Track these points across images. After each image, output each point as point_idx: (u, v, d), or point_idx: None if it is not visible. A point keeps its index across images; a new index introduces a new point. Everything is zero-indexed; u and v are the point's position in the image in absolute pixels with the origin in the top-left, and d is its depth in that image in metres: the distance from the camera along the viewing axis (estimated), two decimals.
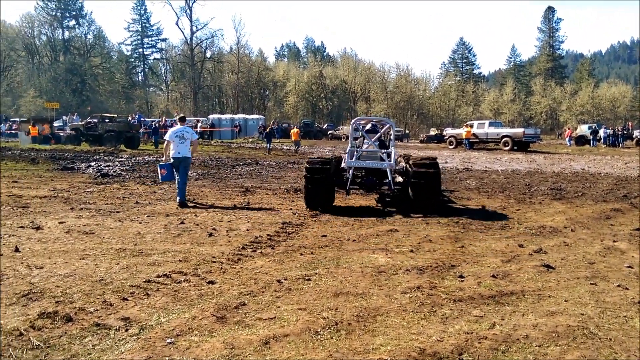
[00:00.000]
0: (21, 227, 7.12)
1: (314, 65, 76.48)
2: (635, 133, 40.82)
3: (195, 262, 5.51)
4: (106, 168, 15.75)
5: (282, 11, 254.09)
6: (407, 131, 60.87)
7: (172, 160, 9.50)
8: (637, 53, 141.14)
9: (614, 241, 6.87)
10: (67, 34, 74.84)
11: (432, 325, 3.86)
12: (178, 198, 9.43)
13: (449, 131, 40.26)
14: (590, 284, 4.94)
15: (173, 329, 3.67)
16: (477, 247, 6.51)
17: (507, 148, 31.44)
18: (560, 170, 18.41)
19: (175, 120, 11.77)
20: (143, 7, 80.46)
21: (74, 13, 74.36)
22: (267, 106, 77.89)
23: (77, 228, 7.12)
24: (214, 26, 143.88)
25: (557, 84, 73.31)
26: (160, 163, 9.85)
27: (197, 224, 7.61)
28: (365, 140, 10.87)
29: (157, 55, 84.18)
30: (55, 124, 34.71)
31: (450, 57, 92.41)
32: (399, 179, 9.83)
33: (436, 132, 49.01)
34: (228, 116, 50.20)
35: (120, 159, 18.95)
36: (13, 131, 38.85)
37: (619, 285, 4.87)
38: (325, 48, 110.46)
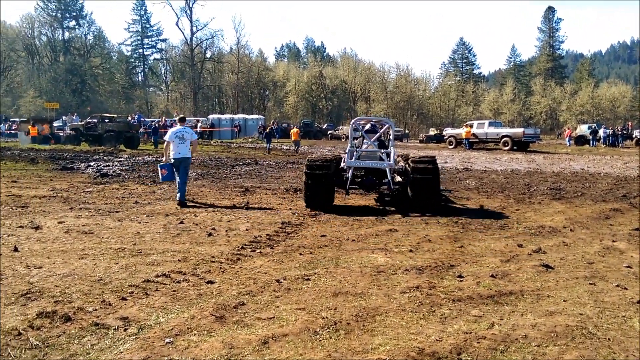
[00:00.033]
0: (20, 226, 7.12)
1: (314, 66, 76.49)
2: (635, 133, 40.84)
3: (195, 261, 5.51)
4: (106, 168, 15.75)
5: (282, 12, 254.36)
6: (407, 131, 60.89)
7: (172, 161, 9.52)
8: (637, 53, 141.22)
9: (613, 241, 6.87)
10: (67, 34, 74.91)
11: (431, 325, 3.86)
12: (178, 196, 9.44)
13: (448, 131, 40.28)
14: (589, 283, 4.94)
15: (172, 329, 3.67)
16: (476, 247, 6.51)
17: (506, 148, 31.44)
18: (560, 170, 18.42)
19: (175, 121, 11.78)
20: (143, 7, 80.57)
21: (74, 14, 74.37)
22: (267, 106, 77.91)
23: (76, 228, 7.12)
24: (214, 26, 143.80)
25: (557, 84, 73.33)
26: (161, 163, 9.87)
27: (197, 224, 7.61)
28: (364, 140, 10.89)
29: (157, 56, 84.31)
30: (55, 124, 34.70)
31: (450, 57, 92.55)
32: (398, 178, 9.86)
33: (435, 132, 49.00)
34: (228, 116, 50.21)
35: (120, 159, 18.95)
36: (13, 131, 38.87)
37: (617, 285, 4.87)
38: (325, 48, 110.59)
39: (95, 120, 28.68)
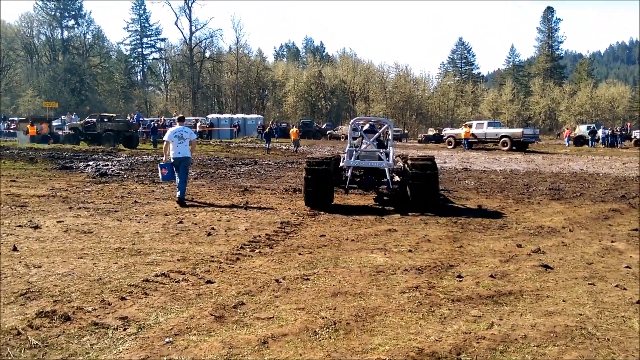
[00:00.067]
0: (19, 226, 7.11)
1: (313, 65, 76.50)
2: (634, 133, 40.94)
3: (194, 261, 5.50)
4: (105, 167, 15.73)
5: (281, 11, 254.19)
6: (406, 131, 60.91)
7: (172, 160, 9.55)
8: (636, 53, 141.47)
9: (612, 241, 6.88)
10: (66, 33, 74.73)
11: (431, 325, 3.86)
12: (177, 195, 9.46)
13: (447, 131, 40.28)
14: (589, 284, 4.95)
15: (171, 329, 3.67)
16: (475, 247, 6.52)
17: (505, 148, 31.47)
18: (559, 170, 18.43)
19: (174, 120, 11.79)
20: (142, 7, 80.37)
21: (73, 13, 74.21)
22: (266, 106, 77.87)
23: (76, 227, 7.11)
24: (213, 26, 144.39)
25: (556, 84, 73.39)
26: (161, 163, 9.89)
27: (196, 224, 7.61)
28: (364, 140, 10.93)
29: (156, 55, 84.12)
30: (54, 123, 34.62)
31: (449, 57, 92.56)
32: (397, 178, 9.90)
33: (434, 132, 49.01)
34: (227, 116, 50.21)
35: (119, 159, 18.94)
36: (11, 130, 38.79)
37: (617, 286, 4.88)
38: (325, 48, 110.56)
39: (94, 120, 28.65)
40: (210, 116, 49.29)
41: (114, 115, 33.64)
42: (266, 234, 6.95)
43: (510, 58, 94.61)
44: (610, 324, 3.94)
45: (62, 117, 41.71)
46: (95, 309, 4.01)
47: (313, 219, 8.35)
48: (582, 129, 41.24)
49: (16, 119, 43.78)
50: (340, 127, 53.67)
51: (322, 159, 9.40)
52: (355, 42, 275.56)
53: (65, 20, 74.07)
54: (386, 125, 11.42)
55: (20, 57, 70.97)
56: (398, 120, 66.01)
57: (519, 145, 31.49)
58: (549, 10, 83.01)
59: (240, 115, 51.46)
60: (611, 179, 15.15)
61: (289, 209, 9.22)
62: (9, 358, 3.22)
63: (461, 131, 34.99)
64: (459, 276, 5.12)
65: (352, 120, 11.47)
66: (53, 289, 4.48)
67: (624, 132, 42.32)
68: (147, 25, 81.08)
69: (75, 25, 75.06)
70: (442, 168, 17.97)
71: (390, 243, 6.61)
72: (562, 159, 24.79)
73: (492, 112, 69.20)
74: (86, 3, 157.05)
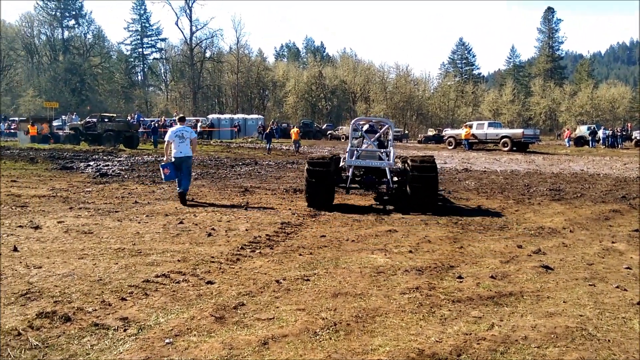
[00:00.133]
0: (20, 226, 7.11)
1: (314, 66, 76.49)
2: (634, 134, 40.90)
3: (194, 262, 5.50)
4: (105, 167, 15.74)
5: (282, 11, 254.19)
6: (406, 131, 60.89)
7: (173, 160, 9.60)
8: (637, 54, 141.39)
9: (613, 242, 6.88)
10: (66, 33, 74.80)
11: (431, 326, 3.85)
12: (179, 189, 9.60)
13: (448, 132, 40.26)
14: (589, 285, 4.94)
15: (172, 329, 3.67)
16: (476, 247, 6.51)
17: (506, 149, 31.47)
18: (559, 171, 18.43)
19: (174, 120, 11.82)
20: (143, 7, 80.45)
21: (74, 13, 74.26)
22: (266, 106, 77.89)
23: (76, 228, 7.11)
24: (213, 26, 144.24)
25: (556, 85, 73.38)
26: (162, 163, 9.91)
27: (196, 224, 7.61)
28: (364, 140, 10.99)
29: (157, 55, 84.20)
30: (54, 123, 34.65)
31: (449, 58, 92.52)
32: (396, 178, 9.95)
33: (434, 132, 48.98)
34: (227, 116, 50.19)
35: (119, 159, 18.94)
36: (12, 130, 38.81)
37: (617, 287, 4.87)
38: (325, 48, 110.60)
39: (94, 120, 28.65)
40: (210, 116, 49.26)
41: (115, 115, 33.68)
42: (266, 235, 6.95)
43: (510, 58, 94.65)
44: (611, 325, 3.94)
45: (63, 117, 41.72)
46: (95, 310, 4.01)
47: (313, 219, 8.35)
48: (582, 130, 41.20)
49: (17, 119, 43.78)
50: (340, 127, 53.66)
51: (323, 158, 9.50)
52: (355, 43, 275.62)
53: (66, 20, 74.15)
54: (387, 125, 11.48)
55: (20, 57, 71.02)
56: (398, 120, 65.99)
57: (520, 146, 31.48)
58: (550, 10, 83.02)
59: (240, 116, 51.44)
60: (612, 180, 15.14)
61: (290, 209, 9.22)
62: (10, 359, 3.22)
63: (462, 132, 34.97)
64: (460, 277, 5.12)
65: (353, 121, 11.56)
66: (53, 289, 4.48)
67: (624, 133, 42.30)
68: (147, 25, 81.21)
69: (76, 25, 75.19)
70: (442, 168, 17.97)
71: (390, 244, 6.61)
72: (562, 160, 24.78)
73: (493, 112, 69.19)
74: (87, 3, 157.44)
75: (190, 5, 68.78)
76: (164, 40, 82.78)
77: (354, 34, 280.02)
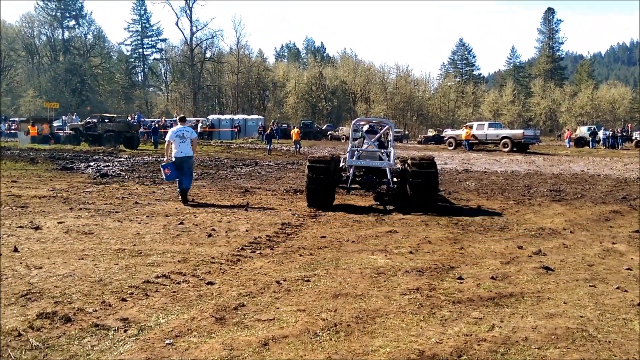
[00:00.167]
0: (20, 227, 7.11)
1: (314, 66, 76.48)
2: (635, 135, 40.88)
3: (194, 262, 5.50)
4: (105, 168, 15.74)
5: (282, 11, 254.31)
6: (406, 132, 60.88)
7: (173, 159, 9.64)
8: (637, 55, 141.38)
9: (613, 243, 6.88)
10: (67, 34, 74.87)
11: (431, 327, 3.85)
12: (180, 187, 9.68)
13: (448, 132, 40.26)
14: (590, 286, 4.94)
15: (172, 330, 3.67)
16: (476, 248, 6.51)
17: (506, 149, 31.46)
18: (560, 171, 18.42)
19: (175, 121, 11.85)
20: (143, 7, 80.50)
21: (74, 13, 74.31)
22: (266, 107, 77.91)
23: (76, 228, 7.11)
24: (213, 27, 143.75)
25: (556, 86, 73.39)
26: (163, 164, 9.93)
27: (196, 225, 7.61)
28: (365, 141, 11.04)
29: (157, 56, 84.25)
30: (55, 123, 34.68)
31: (449, 58, 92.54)
32: (396, 179, 10.00)
33: (434, 133, 48.95)
34: (228, 116, 50.19)
35: (120, 159, 18.95)
36: (12, 131, 38.83)
37: (618, 288, 4.87)
38: (325, 49, 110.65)
39: (95, 120, 28.65)
40: (211, 117, 49.28)
41: (115, 115, 33.68)
42: (267, 235, 6.95)
43: (510, 59, 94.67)
44: (612, 326, 3.94)
45: (63, 117, 41.80)
46: (96, 311, 4.01)
47: (314, 220, 8.35)
48: (582, 130, 41.21)
49: (17, 119, 43.83)
50: (341, 128, 53.66)
51: (324, 159, 9.57)
52: (356, 43, 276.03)
53: (66, 21, 74.20)
54: (387, 126, 11.52)
55: (21, 57, 71.06)
56: (399, 121, 65.99)
57: (520, 147, 31.48)
58: (550, 11, 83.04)
59: (241, 116, 51.44)
60: (612, 181, 15.14)
61: (290, 210, 9.22)
62: (10, 359, 3.22)
63: (462, 132, 34.97)
64: (460, 278, 5.11)
65: (353, 122, 11.64)
66: (54, 290, 4.48)
67: (624, 134, 42.28)
68: (147, 25, 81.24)
69: (76, 26, 75.24)
70: (442, 169, 17.97)
71: (391, 244, 6.61)
72: (562, 161, 24.78)
73: (493, 113, 69.19)
74: (87, 3, 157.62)
75: (190, 5, 68.88)
76: (164, 40, 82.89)
77: (354, 34, 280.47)
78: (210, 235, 6.88)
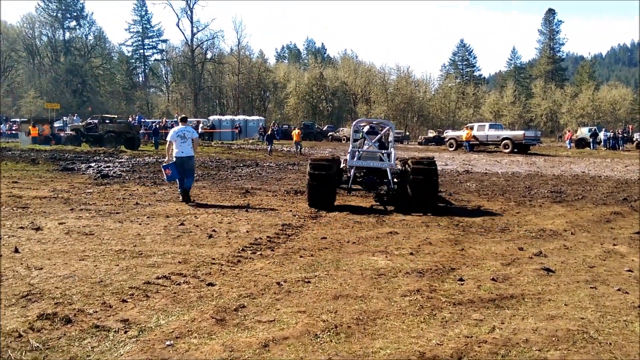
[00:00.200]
0: (21, 227, 7.11)
1: (315, 67, 76.49)
2: (636, 136, 40.85)
3: (195, 263, 5.50)
4: (106, 169, 15.75)
5: (281, 10, 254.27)
6: (407, 133, 60.86)
7: (174, 159, 9.68)
8: (638, 56, 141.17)
9: (614, 245, 6.87)
10: (67, 34, 74.94)
11: (432, 328, 3.85)
12: (181, 187, 9.74)
13: (449, 133, 40.24)
14: (591, 287, 4.93)
15: (172, 331, 3.67)
16: (477, 250, 6.51)
17: (507, 150, 31.44)
18: (561, 173, 18.41)
19: (175, 121, 11.89)
20: (144, 8, 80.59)
21: (75, 14, 74.41)
22: (267, 107, 77.91)
23: (77, 229, 7.11)
24: (214, 27, 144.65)
25: (557, 87, 73.33)
26: (164, 164, 9.94)
27: (197, 226, 7.61)
28: (365, 142, 11.07)
29: (158, 57, 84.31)
30: (56, 124, 34.72)
31: (450, 59, 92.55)
32: (396, 179, 10.04)
33: (434, 134, 48.93)
34: (228, 117, 50.21)
35: (121, 160, 18.95)
36: (13, 131, 38.89)
37: (619, 289, 4.86)
38: (326, 50, 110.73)
39: (95, 121, 28.67)
40: (211, 118, 49.31)
41: (116, 116, 33.68)
42: (267, 236, 6.95)
43: (511, 60, 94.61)
44: (612, 328, 3.93)
45: (64, 118, 41.84)
46: (96, 312, 4.01)
47: (314, 221, 8.35)
48: (583, 132, 41.19)
49: (18, 120, 43.84)
50: (341, 128, 53.62)
51: (325, 160, 9.64)
52: (356, 43, 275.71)
53: (67, 21, 74.31)
54: (387, 127, 11.54)
55: (22, 58, 71.14)
56: (399, 122, 65.99)
57: (521, 148, 31.46)
58: (551, 12, 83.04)
59: (241, 117, 51.43)
60: (613, 182, 15.12)
61: (290, 211, 9.22)
62: None
63: (463, 133, 34.95)
64: (461, 279, 5.11)
65: (354, 123, 11.68)
66: (54, 291, 4.48)
67: (625, 135, 42.23)
68: (148, 26, 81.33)
69: (77, 27, 75.32)
70: (443, 170, 17.97)
71: (391, 246, 6.60)
72: (563, 162, 24.77)
73: (494, 114, 69.14)
74: (88, 4, 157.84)
75: (191, 6, 68.93)
76: (165, 41, 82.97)
77: (354, 33, 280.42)
78: (210, 236, 6.88)
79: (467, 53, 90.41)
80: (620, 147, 38.54)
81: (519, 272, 5.41)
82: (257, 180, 14.48)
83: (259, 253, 6.06)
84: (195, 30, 70.72)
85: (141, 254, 5.86)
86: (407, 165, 9.68)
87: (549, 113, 70.49)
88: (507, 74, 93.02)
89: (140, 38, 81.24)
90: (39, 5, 71.70)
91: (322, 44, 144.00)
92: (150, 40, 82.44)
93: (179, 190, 10.01)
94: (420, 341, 3.59)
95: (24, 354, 3.29)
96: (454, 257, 6.09)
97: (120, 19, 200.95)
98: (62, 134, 31.10)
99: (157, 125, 33.45)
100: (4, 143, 28.54)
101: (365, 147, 10.87)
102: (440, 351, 3.43)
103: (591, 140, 37.90)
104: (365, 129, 11.55)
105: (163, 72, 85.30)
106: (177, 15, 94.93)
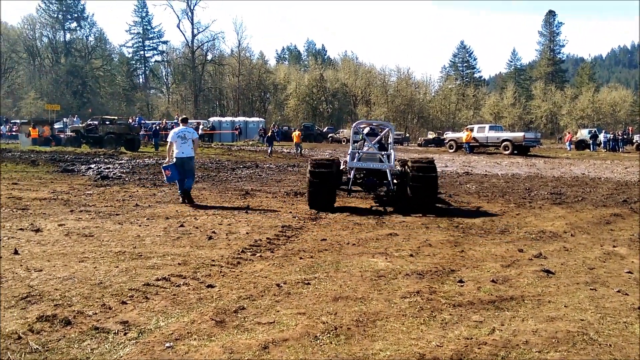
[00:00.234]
0: (20, 229, 7.11)
1: (315, 69, 76.51)
2: (636, 138, 40.86)
3: (195, 265, 5.50)
4: (106, 170, 15.75)
5: (282, 11, 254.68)
6: (407, 135, 60.86)
7: (174, 160, 9.71)
8: (638, 57, 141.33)
9: (614, 246, 6.87)
10: (68, 36, 75.04)
11: (432, 330, 3.85)
12: (182, 188, 9.79)
13: (449, 135, 40.27)
14: (590, 289, 4.93)
15: (172, 333, 3.67)
16: (476, 251, 6.50)
17: (507, 152, 31.45)
18: (560, 174, 18.41)
19: (175, 123, 11.94)
20: (144, 9, 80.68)
21: (76, 15, 74.50)
22: (267, 109, 77.93)
23: (77, 231, 7.11)
24: (215, 29, 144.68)
25: (557, 88, 73.29)
26: (164, 165, 9.96)
27: (197, 227, 7.61)
28: (365, 143, 11.11)
29: (158, 58, 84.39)
30: (56, 125, 34.73)
31: (450, 61, 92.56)
32: (396, 180, 10.09)
33: (434, 135, 48.93)
34: (229, 119, 50.24)
35: (121, 161, 18.96)
36: (13, 133, 38.90)
37: (618, 291, 4.86)
38: (326, 51, 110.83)
39: (96, 122, 28.68)
40: (212, 119, 49.34)
41: (116, 118, 33.70)
42: (267, 238, 6.95)
43: (511, 62, 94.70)
44: (612, 329, 3.93)
45: (64, 119, 41.86)
46: (96, 313, 4.00)
47: (314, 222, 8.35)
48: (583, 133, 41.21)
49: (18, 121, 43.87)
50: (341, 130, 53.62)
51: (326, 161, 9.69)
52: (356, 44, 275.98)
53: (68, 23, 74.37)
54: (387, 128, 11.57)
55: (22, 59, 71.22)
56: (399, 123, 65.99)
57: (521, 149, 31.47)
58: (551, 14, 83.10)
59: (241, 118, 51.46)
60: (613, 184, 15.12)
61: (290, 212, 9.22)
62: None
63: (463, 135, 34.96)
64: (461, 281, 5.11)
65: (354, 124, 11.74)
66: (54, 292, 4.48)
67: (625, 137, 42.25)
68: (149, 27, 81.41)
69: (78, 28, 75.43)
70: (443, 172, 17.97)
71: (391, 247, 6.60)
72: (563, 163, 24.76)
73: (494, 115, 69.16)
74: (88, 5, 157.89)
75: (191, 8, 69.09)
76: (165, 43, 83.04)
77: (355, 35, 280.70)
78: (210, 238, 6.88)
79: (467, 55, 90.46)
80: (620, 149, 38.56)
81: (518, 274, 5.41)
82: (257, 181, 14.49)
83: (258, 255, 6.06)
84: (195, 31, 70.95)
85: (141, 255, 5.86)
86: (406, 166, 9.75)
87: (549, 115, 70.47)
88: (507, 76, 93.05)
89: (140, 39, 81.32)
90: (39, 6, 71.94)
91: (323, 45, 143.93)
92: (151, 41, 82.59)
93: (179, 191, 10.03)
94: (420, 343, 3.59)
95: (23, 356, 3.29)
96: (453, 258, 6.08)
97: (121, 20, 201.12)
98: (62, 136, 31.10)
99: (157, 127, 33.45)
100: (4, 144, 28.55)
101: (365, 149, 10.91)
102: (440, 353, 3.43)
103: (591, 142, 37.92)
104: (365, 130, 11.62)
105: (163, 74, 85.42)
106: (178, 17, 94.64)
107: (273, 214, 9.05)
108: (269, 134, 29.30)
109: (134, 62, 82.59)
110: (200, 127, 41.57)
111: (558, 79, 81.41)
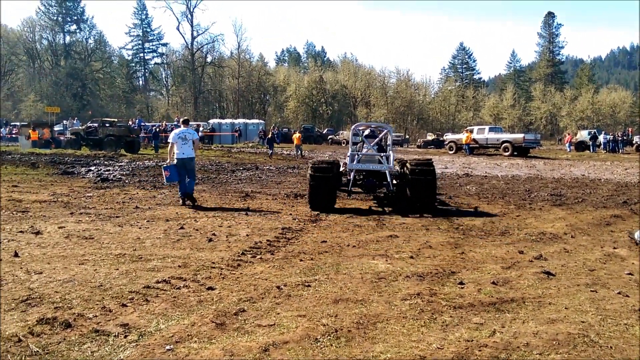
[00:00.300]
0: (21, 231, 7.11)
1: (315, 70, 76.54)
2: (635, 139, 40.86)
3: (195, 267, 5.50)
4: (106, 172, 15.75)
5: (281, 12, 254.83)
6: (407, 136, 60.90)
7: (175, 161, 9.77)
8: (637, 59, 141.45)
9: (614, 248, 6.86)
10: (68, 38, 74.98)
11: (432, 332, 3.84)
12: (183, 191, 9.85)
13: (449, 136, 40.28)
14: (591, 291, 4.93)
15: (172, 336, 3.66)
16: (477, 253, 6.50)
17: (507, 153, 31.45)
18: (560, 176, 18.41)
19: (176, 125, 11.98)
20: (144, 11, 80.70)
21: (75, 18, 74.50)
22: (267, 111, 77.95)
23: (77, 233, 7.11)
24: (214, 31, 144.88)
25: (557, 90, 73.34)
26: (164, 165, 10.00)
27: (197, 229, 7.61)
28: (364, 145, 11.15)
29: (158, 60, 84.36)
30: (56, 128, 34.70)
31: (450, 62, 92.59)
32: (395, 181, 10.15)
33: (433, 137, 48.93)
34: (228, 121, 50.29)
35: (120, 164, 18.96)
36: (13, 135, 38.90)
37: (619, 293, 4.86)
38: (326, 53, 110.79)
39: (96, 125, 28.71)
40: (211, 121, 49.36)
41: (116, 120, 33.71)
42: (267, 240, 6.95)
43: (511, 63, 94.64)
44: (613, 331, 3.92)
45: (64, 122, 41.82)
46: (96, 316, 4.00)
47: (314, 224, 8.35)
48: (583, 135, 41.22)
49: (18, 123, 43.90)
50: (341, 132, 53.64)
51: (326, 162, 9.81)
52: (356, 46, 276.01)
53: (68, 25, 74.35)
54: (386, 130, 11.62)
55: (22, 61, 71.27)
56: (399, 125, 66.02)
57: (520, 151, 31.48)
58: (550, 15, 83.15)
59: (241, 120, 51.52)
60: (613, 185, 15.12)
61: (290, 214, 9.22)
62: None
63: (462, 136, 34.97)
64: (461, 283, 5.10)
65: (353, 126, 11.85)
66: (54, 295, 4.48)
67: (625, 138, 42.30)
68: (149, 30, 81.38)
69: (78, 30, 75.40)
70: (443, 173, 17.98)
71: (391, 249, 6.60)
72: (563, 165, 24.77)
73: (493, 117, 69.17)
74: (88, 8, 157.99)
75: (191, 10, 69.14)
76: (165, 45, 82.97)
77: (354, 36, 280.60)
78: (210, 240, 6.87)
79: (466, 56, 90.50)
80: (620, 150, 38.59)
81: (519, 276, 5.41)
82: (257, 183, 14.49)
83: (259, 257, 6.06)
84: (195, 33, 70.98)
85: (141, 258, 5.86)
86: (405, 167, 9.84)
87: (549, 116, 70.51)
88: (506, 77, 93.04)
89: (140, 42, 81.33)
90: (39, 8, 71.96)
91: (322, 47, 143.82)
92: (151, 43, 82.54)
93: (179, 193, 10.04)
94: (420, 345, 3.59)
95: (23, 358, 3.29)
96: (454, 260, 6.08)
97: (121, 22, 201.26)
98: (62, 138, 31.09)
99: (157, 129, 33.41)
100: (4, 147, 28.53)
101: (364, 151, 10.94)
102: (441, 355, 3.42)
103: (591, 143, 37.92)
104: (365, 132, 11.68)
105: (163, 76, 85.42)
106: (178, 19, 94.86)
107: (273, 215, 9.05)
108: (269, 135, 29.31)
109: (133, 64, 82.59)
110: (200, 129, 41.57)
111: (557, 80, 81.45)
